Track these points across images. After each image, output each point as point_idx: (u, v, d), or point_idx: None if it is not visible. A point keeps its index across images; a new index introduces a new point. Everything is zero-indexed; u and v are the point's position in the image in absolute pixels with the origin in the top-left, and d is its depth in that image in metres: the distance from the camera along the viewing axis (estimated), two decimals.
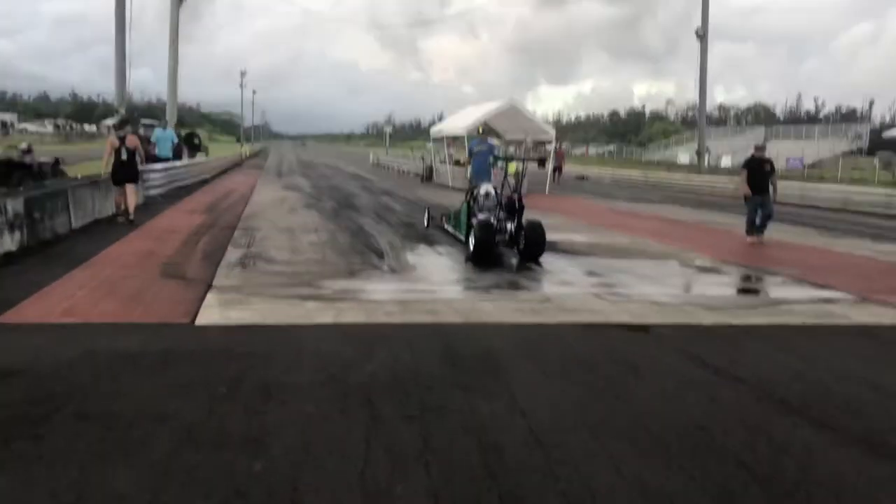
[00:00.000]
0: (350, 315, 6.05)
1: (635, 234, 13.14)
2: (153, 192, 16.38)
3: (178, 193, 18.14)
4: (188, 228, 11.38)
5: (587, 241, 11.85)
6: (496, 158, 12.81)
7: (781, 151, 52.27)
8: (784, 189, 26.02)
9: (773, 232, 13.67)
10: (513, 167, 17.78)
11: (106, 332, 5.23)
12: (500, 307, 6.64)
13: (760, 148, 13.17)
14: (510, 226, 9.90)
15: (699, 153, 34.09)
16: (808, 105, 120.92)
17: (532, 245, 9.51)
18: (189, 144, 27.92)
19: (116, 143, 11.78)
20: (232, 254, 9.07)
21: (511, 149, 35.90)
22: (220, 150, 50.31)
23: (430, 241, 11.13)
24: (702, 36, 31.98)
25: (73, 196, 10.68)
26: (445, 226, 12.40)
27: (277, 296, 6.70)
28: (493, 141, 18.53)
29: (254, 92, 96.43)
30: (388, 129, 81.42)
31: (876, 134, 58.11)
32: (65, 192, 10.46)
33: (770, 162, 12.72)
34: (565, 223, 14.62)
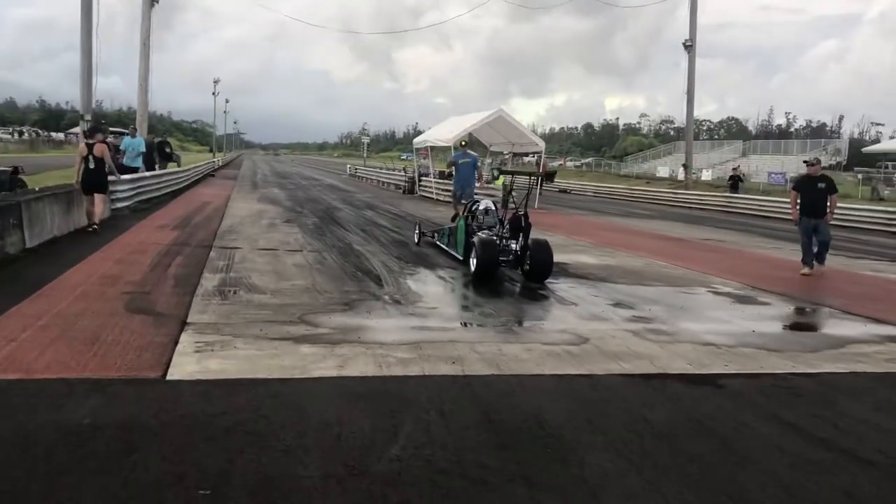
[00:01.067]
0: (357, 365, 4.96)
1: (645, 255, 12.22)
2: (120, 205, 15.12)
3: (148, 206, 16.87)
4: (158, 247, 10.18)
5: (599, 264, 10.88)
6: (499, 170, 11.81)
7: (761, 166, 52.47)
8: (774, 206, 25.52)
9: (788, 252, 12.83)
10: (500, 181, 18.23)
11: (50, 395, 4.09)
12: (531, 350, 5.59)
13: (813, 163, 11.22)
14: (514, 245, 9.20)
15: (686, 167, 33.42)
16: (779, 119, 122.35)
17: (539, 266, 8.85)
18: (161, 153, 26.57)
19: (85, 150, 11.50)
20: (208, 280, 7.92)
21: (488, 160, 35.05)
22: (193, 160, 48.79)
23: (428, 263, 10.07)
24: (690, 46, 31.42)
25: (27, 211, 9.44)
26: (438, 242, 11.82)
27: (265, 336, 5.58)
28: (473, 153, 18.11)
29: (226, 101, 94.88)
30: (366, 140, 79.97)
31: (856, 149, 58.24)
32: (17, 206, 9.22)
33: (827, 179, 10.93)
34: (567, 242, 13.66)
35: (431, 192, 26.18)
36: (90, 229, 11.36)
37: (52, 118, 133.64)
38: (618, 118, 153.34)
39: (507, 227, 9.44)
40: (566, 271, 9.89)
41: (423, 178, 28.99)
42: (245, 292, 7.32)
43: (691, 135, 33.47)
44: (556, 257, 9.19)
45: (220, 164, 57.69)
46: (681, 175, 50.13)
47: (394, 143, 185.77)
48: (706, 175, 56.54)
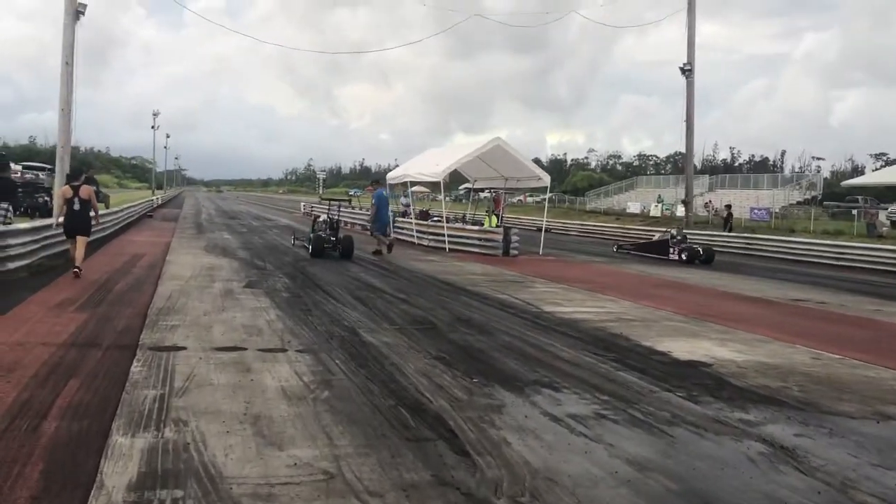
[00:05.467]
0: None
1: (781, 337, 8.50)
2: (14, 264, 10.77)
3: (56, 263, 12.50)
4: (43, 355, 6.01)
5: (751, 361, 7.11)
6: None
7: (735, 201, 49.67)
8: (806, 248, 22.30)
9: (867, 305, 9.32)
10: (493, 221, 21.00)
11: None
12: None
13: None
14: (333, 238, 16.04)
15: (687, 203, 30.24)
16: (723, 154, 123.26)
17: (345, 250, 15.88)
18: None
19: (70, 192, 11.13)
20: (119, 459, 3.83)
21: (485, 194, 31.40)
22: (128, 198, 43.84)
23: (502, 372, 6.13)
24: (689, 70, 28.48)
25: None
26: (304, 244, 17.23)
27: None
28: (385, 191, 19.58)
29: (167, 136, 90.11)
30: (322, 175, 75.54)
31: (835, 182, 56.66)
32: None
33: None
34: (651, 315, 9.95)
35: (411, 235, 22.25)
36: (73, 272, 10.88)
37: None
38: (565, 153, 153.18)
39: (329, 229, 16.24)
40: (729, 385, 6.08)
41: (400, 219, 25.05)
42: (204, 496, 3.26)
43: (692, 168, 30.45)
44: (665, 345, 7.31)
45: (160, 202, 52.74)
46: (679, 211, 47.49)
47: (340, 179, 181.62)
48: (681, 211, 54.05)
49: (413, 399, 5.22)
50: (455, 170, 21.71)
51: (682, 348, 7.56)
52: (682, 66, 28.70)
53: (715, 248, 26.34)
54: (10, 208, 14.82)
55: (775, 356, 7.44)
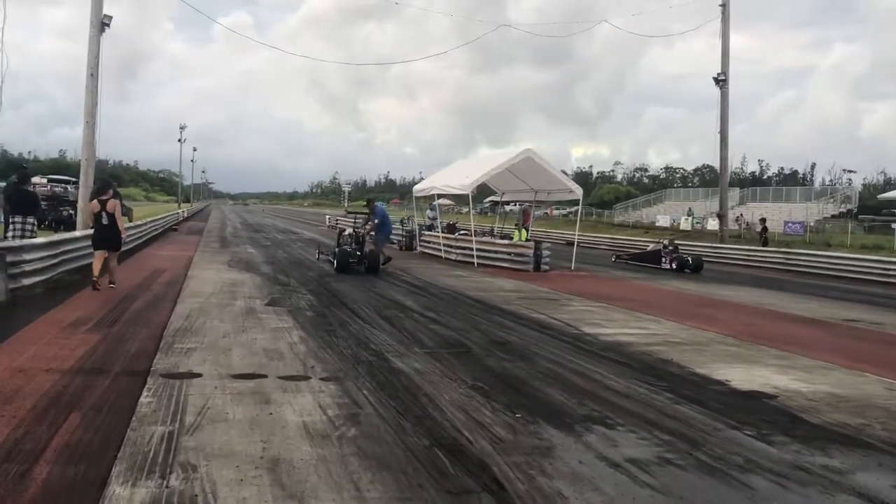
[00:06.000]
0: None
1: (829, 359, 7.79)
2: (27, 280, 10.37)
3: (76, 279, 12.13)
4: (45, 384, 5.53)
5: (803, 389, 6.41)
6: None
7: (766, 215, 48.58)
8: (851, 264, 21.15)
9: None
10: (523, 235, 20.51)
11: None
12: None
13: None
14: (359, 253, 15.71)
15: (721, 216, 29.34)
16: (752, 166, 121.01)
17: (371, 265, 15.41)
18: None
19: (97, 207, 11.29)
20: None
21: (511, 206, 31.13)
22: (152, 211, 43.89)
23: (547, 405, 5.53)
24: (723, 80, 27.71)
25: None
26: (329, 258, 17.11)
27: None
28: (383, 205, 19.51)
29: (194, 149, 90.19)
30: (347, 188, 75.08)
31: (867, 195, 55.22)
32: None
33: None
34: (695, 337, 9.29)
35: (437, 249, 21.70)
36: (109, 286, 11.23)
37: (12, 169, 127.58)
38: (591, 166, 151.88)
39: (354, 243, 16.10)
40: (802, 421, 5.42)
41: (426, 233, 24.54)
42: None
43: (726, 179, 29.49)
44: (721, 373, 6.76)
45: (186, 215, 52.83)
46: (710, 225, 46.53)
47: (365, 192, 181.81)
48: (712, 224, 52.93)
49: (451, 439, 4.63)
50: (482, 182, 21.18)
51: (740, 376, 6.89)
52: (715, 76, 27.94)
53: (752, 264, 25.55)
54: (35, 222, 14.50)
55: (844, 386, 6.74)
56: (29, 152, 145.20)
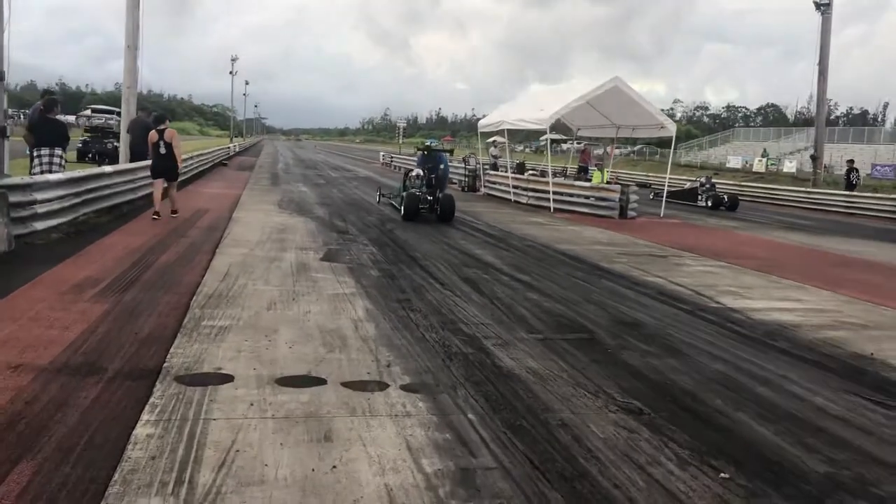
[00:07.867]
0: None
1: None
2: (40, 224, 8.69)
3: (100, 222, 10.47)
4: (1, 398, 3.72)
5: None
6: None
7: (846, 156, 44.63)
8: None
9: None
10: (598, 176, 18.48)
11: None
12: None
13: None
14: (430, 198, 13.47)
15: (816, 158, 26.42)
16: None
17: (444, 211, 13.21)
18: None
19: (155, 136, 11.46)
20: None
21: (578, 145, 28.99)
22: (202, 145, 42.53)
23: (744, 444, 3.51)
24: (825, 5, 24.47)
25: None
26: (392, 201, 15.29)
27: None
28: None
29: (246, 83, 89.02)
30: (402, 124, 72.38)
31: None
32: None
33: None
34: (863, 309, 7.11)
35: (506, 191, 19.57)
36: (172, 214, 11.55)
37: (71, 101, 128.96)
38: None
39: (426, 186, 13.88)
40: None
41: (491, 173, 22.40)
42: None
43: (823, 117, 26.50)
44: None
45: (237, 150, 51.43)
46: (787, 167, 43.13)
47: (416, 129, 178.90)
48: (788, 166, 49.24)
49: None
50: (560, 119, 18.83)
51: None
52: (817, 0, 24.67)
53: (854, 212, 22.80)
54: (63, 154, 12.84)
55: None
56: (87, 85, 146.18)
